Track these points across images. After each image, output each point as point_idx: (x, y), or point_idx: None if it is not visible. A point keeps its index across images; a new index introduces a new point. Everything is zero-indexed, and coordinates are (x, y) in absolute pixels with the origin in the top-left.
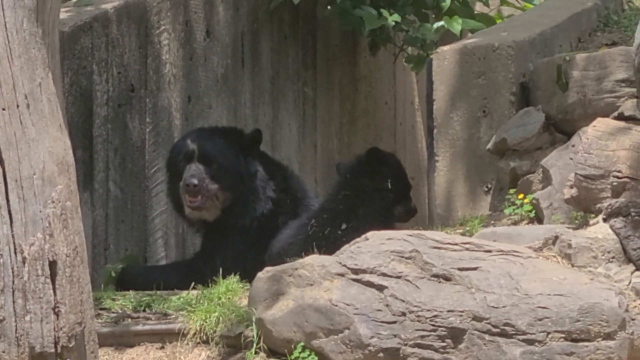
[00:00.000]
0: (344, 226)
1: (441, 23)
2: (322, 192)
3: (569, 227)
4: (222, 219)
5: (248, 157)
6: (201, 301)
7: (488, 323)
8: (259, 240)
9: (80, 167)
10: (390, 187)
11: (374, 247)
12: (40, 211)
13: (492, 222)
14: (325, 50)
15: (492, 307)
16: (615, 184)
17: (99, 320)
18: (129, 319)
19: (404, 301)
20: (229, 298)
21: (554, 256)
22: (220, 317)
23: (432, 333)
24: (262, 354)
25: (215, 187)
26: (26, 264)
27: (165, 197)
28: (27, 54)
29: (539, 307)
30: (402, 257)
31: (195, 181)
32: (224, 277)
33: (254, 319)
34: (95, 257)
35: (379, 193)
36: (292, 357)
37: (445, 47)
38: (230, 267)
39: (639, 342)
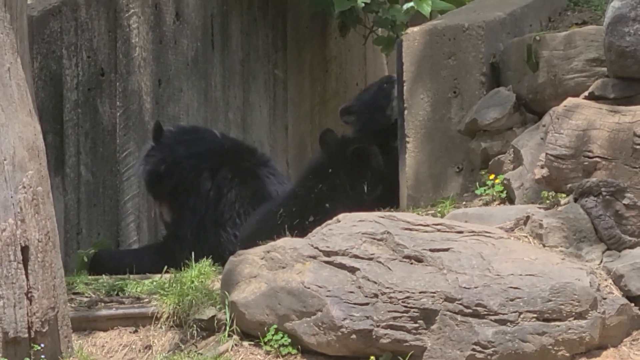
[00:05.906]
0: (311, 219)
1: (411, 4)
2: (293, 175)
3: (540, 207)
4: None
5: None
6: (174, 285)
7: (460, 304)
8: (207, 199)
9: (52, 152)
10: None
11: (346, 229)
12: (12, 196)
13: (464, 203)
14: (295, 32)
15: (464, 287)
16: (586, 163)
17: (72, 305)
18: (102, 304)
19: (376, 283)
20: (202, 281)
21: (526, 236)
22: (193, 301)
23: (405, 314)
24: (235, 336)
25: None
26: None
27: (137, 182)
28: None
29: (511, 287)
30: (374, 239)
31: None
32: (195, 255)
33: (226, 302)
34: (67, 242)
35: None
36: (265, 339)
37: (415, 28)
38: (193, 240)
39: (611, 321)
